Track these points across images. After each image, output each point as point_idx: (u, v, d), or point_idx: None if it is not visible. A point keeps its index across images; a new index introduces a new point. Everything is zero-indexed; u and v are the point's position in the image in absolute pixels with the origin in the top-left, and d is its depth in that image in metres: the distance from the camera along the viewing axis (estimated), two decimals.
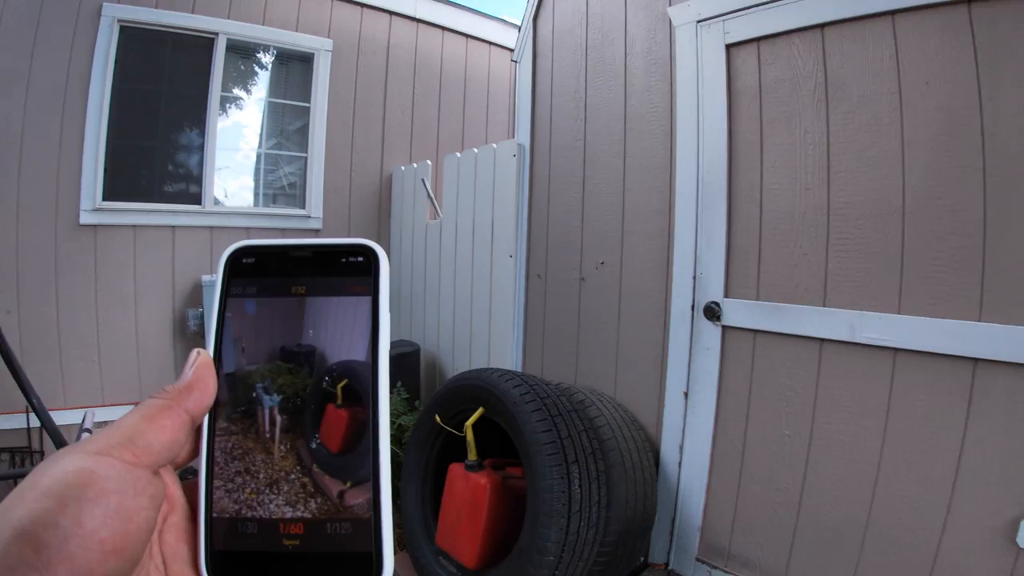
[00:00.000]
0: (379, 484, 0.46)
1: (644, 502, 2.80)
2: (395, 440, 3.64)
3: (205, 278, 4.53)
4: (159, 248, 4.45)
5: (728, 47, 2.79)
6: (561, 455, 2.50)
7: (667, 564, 3.08)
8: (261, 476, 0.47)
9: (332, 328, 0.50)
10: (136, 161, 4.47)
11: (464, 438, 2.82)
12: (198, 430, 0.47)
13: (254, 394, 0.48)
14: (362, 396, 0.48)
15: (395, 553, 3.27)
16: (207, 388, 0.46)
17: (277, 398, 0.48)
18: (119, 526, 0.37)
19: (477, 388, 2.82)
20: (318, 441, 0.48)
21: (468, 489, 2.72)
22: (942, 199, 2.21)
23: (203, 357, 0.48)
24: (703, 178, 2.90)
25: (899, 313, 2.33)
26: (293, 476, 0.47)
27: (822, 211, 2.54)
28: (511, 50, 4.07)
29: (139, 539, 0.39)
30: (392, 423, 3.69)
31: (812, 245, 2.58)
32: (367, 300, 0.49)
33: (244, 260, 0.51)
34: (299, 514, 0.46)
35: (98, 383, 4.26)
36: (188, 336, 4.52)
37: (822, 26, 2.49)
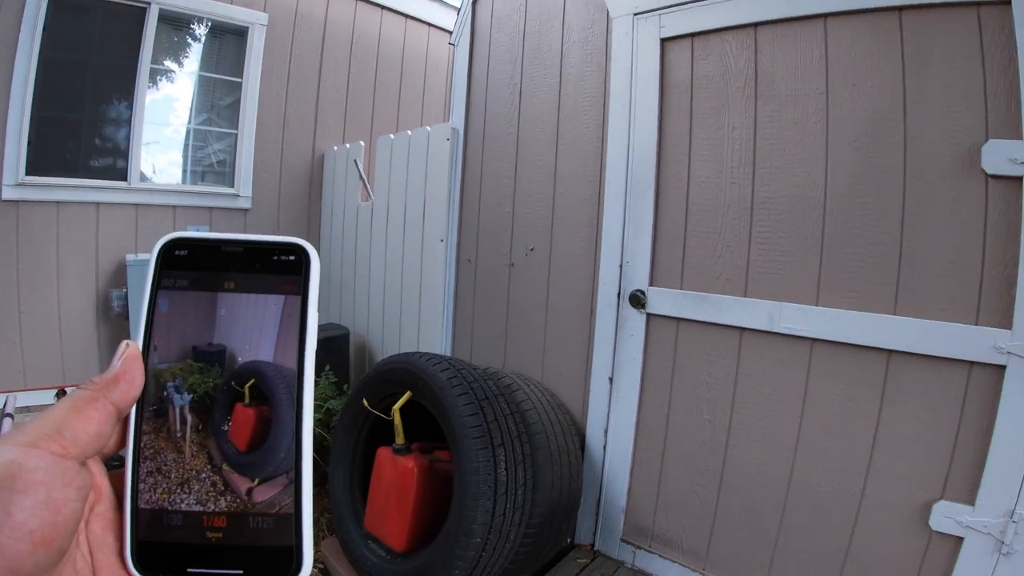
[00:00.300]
0: (301, 481, 0.46)
1: (570, 484, 2.77)
2: (323, 424, 3.53)
3: (130, 257, 4.25)
4: (83, 225, 4.17)
5: (663, 41, 2.76)
6: (487, 438, 2.45)
7: (593, 545, 3.07)
8: (172, 475, 0.46)
9: (255, 326, 0.49)
10: (62, 134, 4.16)
11: (392, 422, 2.74)
12: (125, 421, 0.46)
13: (165, 393, 0.48)
14: (268, 395, 0.48)
15: (324, 538, 3.17)
16: (134, 380, 0.46)
17: (188, 396, 0.48)
18: (48, 517, 0.37)
19: (405, 372, 2.74)
20: (227, 440, 0.48)
21: (396, 473, 2.65)
22: (863, 197, 2.24)
23: (131, 349, 0.47)
24: (632, 168, 2.87)
25: (817, 305, 2.36)
26: (204, 475, 0.47)
27: (746, 204, 2.55)
28: (450, 32, 3.96)
29: (67, 530, 0.39)
30: (320, 407, 3.63)
31: (735, 237, 2.59)
32: (296, 300, 0.49)
33: (176, 252, 0.50)
34: (223, 508, 0.46)
35: (20, 366, 3.97)
36: (112, 318, 4.25)
37: (756, 25, 2.48)
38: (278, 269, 0.50)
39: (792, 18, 2.38)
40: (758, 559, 2.53)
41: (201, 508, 0.46)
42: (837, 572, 2.31)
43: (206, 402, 0.47)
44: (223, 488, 0.47)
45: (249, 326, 0.49)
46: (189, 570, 0.45)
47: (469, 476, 2.38)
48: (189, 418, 0.47)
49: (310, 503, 0.46)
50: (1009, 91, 1.92)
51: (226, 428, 0.48)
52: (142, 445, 0.46)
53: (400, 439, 2.73)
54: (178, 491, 0.46)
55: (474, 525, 2.33)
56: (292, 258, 0.50)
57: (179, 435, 0.47)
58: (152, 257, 0.49)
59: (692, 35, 2.68)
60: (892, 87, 2.16)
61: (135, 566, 0.44)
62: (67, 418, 0.41)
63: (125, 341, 0.47)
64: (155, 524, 0.45)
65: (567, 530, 2.87)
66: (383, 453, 2.75)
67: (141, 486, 0.45)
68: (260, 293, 0.49)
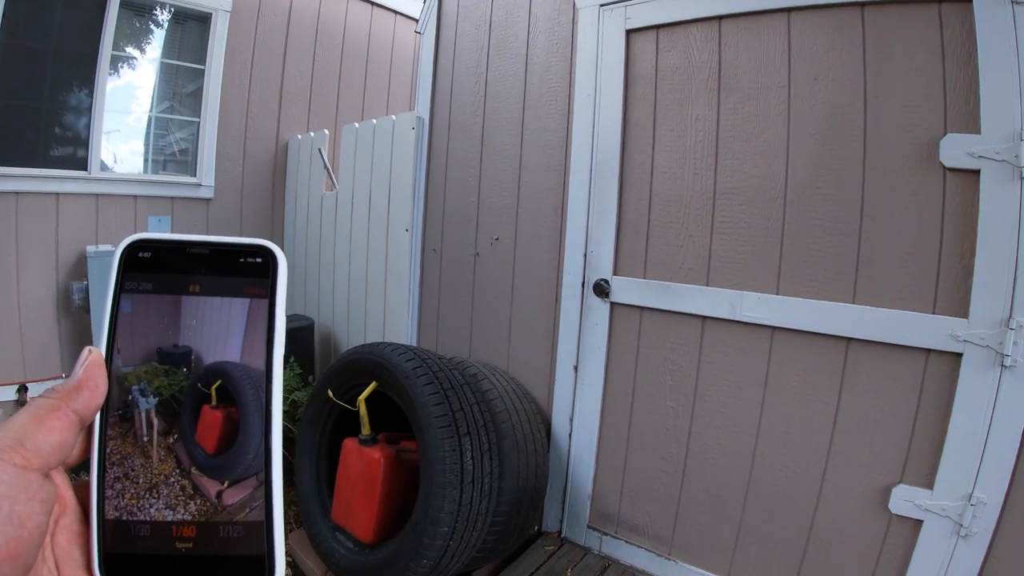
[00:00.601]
0: (271, 488, 0.44)
1: (536, 472, 2.74)
2: (289, 416, 3.44)
3: (90, 249, 4.08)
4: (42, 217, 3.98)
5: (628, 32, 2.72)
6: (453, 428, 2.41)
7: (560, 532, 3.05)
8: (140, 480, 0.45)
9: (220, 329, 0.48)
10: (20, 123, 3.95)
11: (358, 413, 2.67)
12: (89, 429, 0.44)
13: (130, 396, 0.46)
14: (236, 397, 0.46)
15: (292, 531, 3.09)
16: (97, 388, 0.44)
17: (154, 400, 0.46)
18: (12, 532, 0.36)
19: (370, 362, 2.68)
20: (195, 442, 0.46)
21: (362, 464, 2.59)
22: (823, 188, 2.23)
23: (94, 355, 0.45)
24: (597, 159, 2.83)
25: (777, 294, 2.36)
26: (172, 479, 0.45)
27: (708, 195, 2.53)
28: (416, 20, 3.85)
29: (32, 544, 0.38)
30: (285, 399, 3.53)
31: (698, 227, 2.57)
32: (263, 303, 0.48)
33: (140, 254, 0.48)
34: (192, 517, 0.45)
35: None
36: (73, 311, 4.08)
37: (720, 18, 2.45)
38: (245, 271, 0.48)
39: (756, 11, 2.36)
40: (722, 543, 2.53)
41: (170, 517, 0.44)
42: (799, 555, 2.32)
43: (172, 405, 0.46)
44: (192, 492, 0.45)
45: (215, 328, 0.47)
46: None
47: (435, 465, 2.34)
48: (156, 422, 0.46)
49: (281, 510, 0.44)
50: (968, 86, 1.92)
51: (194, 432, 0.46)
52: (108, 452, 0.44)
53: (366, 430, 2.67)
54: (146, 496, 0.44)
55: (441, 514, 2.29)
56: (259, 260, 0.48)
57: (146, 439, 0.45)
58: (115, 259, 0.47)
59: (657, 27, 2.63)
60: (853, 81, 2.15)
61: None
62: (29, 428, 0.40)
63: (88, 347, 0.45)
64: (122, 535, 0.43)
65: (534, 518, 2.84)
66: (349, 444, 2.70)
67: (108, 494, 0.44)
68: (226, 296, 0.47)
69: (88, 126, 4.13)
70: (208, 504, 0.45)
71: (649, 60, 2.69)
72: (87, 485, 0.44)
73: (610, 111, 2.79)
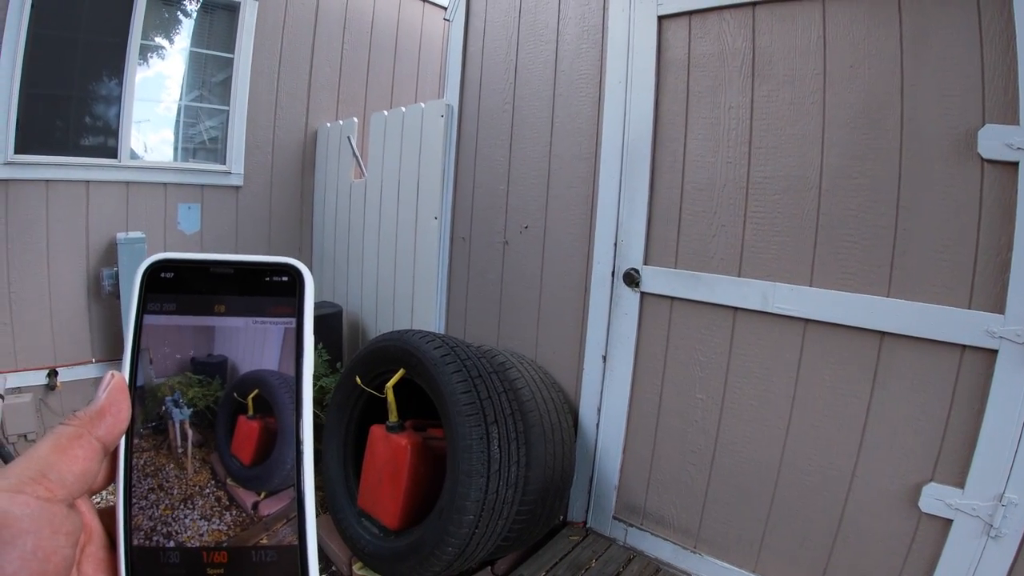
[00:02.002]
0: (304, 511, 0.43)
1: (563, 462, 2.79)
2: (317, 402, 3.50)
3: (120, 236, 4.18)
4: (73, 204, 4.08)
5: (660, 18, 2.72)
6: (481, 416, 2.46)
7: (585, 522, 3.10)
8: (175, 492, 0.44)
9: (247, 339, 0.47)
10: (51, 112, 4.05)
11: (385, 399, 2.74)
12: (113, 454, 0.44)
13: (164, 408, 0.45)
14: (273, 406, 0.46)
15: (318, 516, 3.19)
16: (120, 414, 0.43)
17: (188, 411, 0.46)
18: (37, 567, 0.35)
19: (398, 349, 2.74)
20: (231, 453, 0.46)
21: (389, 450, 2.66)
22: (858, 179, 2.23)
23: (116, 380, 0.44)
24: (628, 146, 2.85)
25: (811, 286, 2.36)
26: (207, 490, 0.45)
27: (742, 184, 2.54)
28: (444, 8, 3.89)
29: None
30: (313, 385, 3.59)
31: (730, 216, 2.58)
32: (291, 323, 0.47)
33: (162, 275, 0.47)
34: (223, 541, 0.44)
35: (10, 347, 3.90)
36: (103, 297, 4.19)
37: (754, 4, 2.45)
38: (271, 291, 0.48)
39: None
40: (749, 537, 2.55)
41: (199, 544, 0.43)
42: (827, 551, 2.33)
43: (207, 416, 0.46)
44: (228, 503, 0.45)
45: (250, 338, 0.47)
46: None
47: (462, 453, 2.39)
48: (190, 433, 0.45)
49: (314, 533, 0.44)
50: (1007, 75, 1.90)
51: (230, 443, 0.46)
52: (142, 464, 0.44)
53: (393, 416, 2.73)
54: (181, 508, 0.44)
55: (467, 502, 2.34)
56: (285, 279, 0.48)
57: (180, 451, 0.45)
58: (136, 280, 0.46)
59: (690, 13, 2.64)
60: (889, 69, 2.13)
61: None
62: (51, 459, 0.39)
63: (111, 372, 0.45)
64: (151, 562, 0.43)
65: (559, 507, 2.89)
66: (376, 431, 2.76)
67: (141, 505, 0.43)
68: (252, 317, 0.47)
69: (118, 115, 4.22)
70: (244, 515, 0.45)
71: (681, 47, 2.69)
72: (112, 511, 0.43)
73: (642, 98, 2.80)
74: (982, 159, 1.95)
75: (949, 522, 2.04)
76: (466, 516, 2.34)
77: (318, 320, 3.99)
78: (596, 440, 3.03)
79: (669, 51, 2.74)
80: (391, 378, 2.73)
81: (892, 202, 2.14)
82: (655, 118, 2.78)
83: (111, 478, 0.44)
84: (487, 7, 3.52)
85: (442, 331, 3.81)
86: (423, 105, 3.87)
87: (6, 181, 3.77)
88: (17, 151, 3.79)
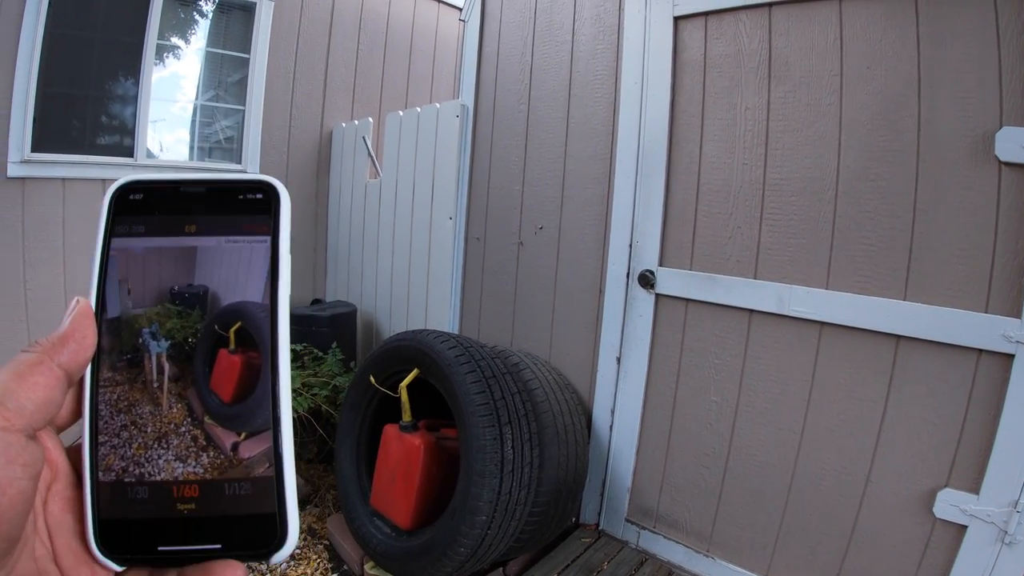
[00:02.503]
0: (280, 440, 0.42)
1: (576, 464, 2.80)
2: (330, 401, 3.55)
3: None
4: (89, 202, 4.13)
5: (676, 19, 2.73)
6: (494, 416, 2.47)
7: (597, 524, 3.11)
8: (149, 430, 0.42)
9: (227, 269, 0.45)
10: (67, 111, 4.12)
11: (399, 399, 2.76)
12: (80, 386, 0.42)
13: (140, 340, 0.43)
14: (257, 340, 0.44)
15: (330, 515, 3.19)
16: (85, 340, 0.41)
17: (165, 344, 0.44)
18: None
19: (412, 349, 2.76)
20: (210, 389, 0.44)
21: (402, 450, 2.68)
22: (875, 181, 2.23)
23: (81, 305, 0.43)
24: (644, 147, 2.86)
25: (827, 288, 2.36)
26: (183, 429, 0.43)
27: (758, 186, 2.54)
28: (459, 9, 3.93)
29: (15, 512, 0.34)
30: (327, 384, 3.66)
31: (746, 218, 2.58)
32: (265, 240, 0.45)
33: (131, 196, 0.46)
34: (194, 475, 0.42)
35: (26, 344, 3.95)
36: None
37: (770, 4, 2.45)
38: (245, 209, 0.46)
39: None
40: (762, 541, 2.56)
41: (171, 476, 0.41)
42: (840, 556, 2.33)
43: (186, 349, 0.44)
44: (205, 443, 0.43)
45: (233, 267, 0.45)
46: (160, 548, 0.41)
47: (476, 454, 2.40)
48: (167, 367, 0.43)
49: (292, 463, 0.42)
50: None
51: (209, 378, 0.44)
52: (115, 399, 0.42)
53: (407, 416, 2.75)
54: (155, 447, 0.42)
55: (480, 503, 2.35)
56: (260, 196, 0.46)
57: (156, 386, 0.43)
58: (104, 202, 0.45)
59: (706, 14, 2.65)
60: (907, 70, 2.13)
61: (99, 548, 0.40)
62: (9, 386, 0.37)
63: (76, 297, 0.43)
64: (119, 499, 0.41)
65: (572, 509, 2.90)
66: (390, 430, 2.78)
67: (104, 451, 0.41)
68: (225, 236, 0.45)
69: (134, 114, 4.27)
70: (222, 457, 0.42)
71: (698, 47, 2.70)
72: (80, 448, 0.42)
73: (657, 99, 2.81)
74: (999, 161, 1.94)
75: (963, 528, 2.03)
76: (479, 517, 2.36)
77: (332, 319, 4.06)
78: (609, 442, 3.04)
79: (685, 52, 2.75)
80: (405, 378, 2.75)
81: (909, 205, 2.14)
82: (671, 119, 2.79)
83: (79, 412, 0.42)
84: (502, 7, 3.54)
85: (456, 331, 3.83)
86: (438, 105, 3.90)
87: (23, 179, 3.82)
88: (34, 149, 3.85)
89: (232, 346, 0.44)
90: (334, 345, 3.92)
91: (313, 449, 3.75)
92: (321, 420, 3.53)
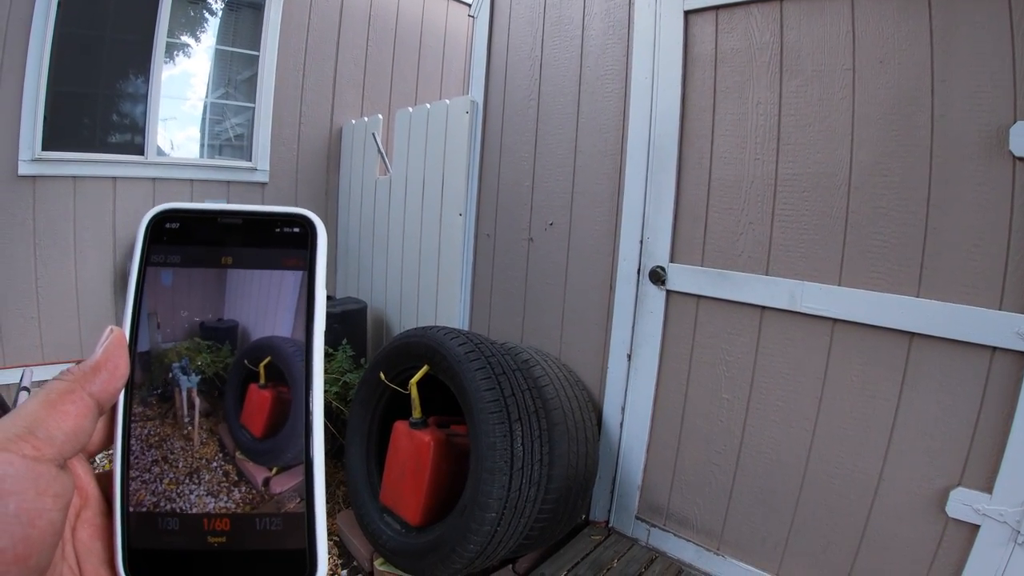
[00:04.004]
0: (312, 477, 0.42)
1: (586, 461, 2.81)
2: (340, 398, 3.57)
3: None
4: (100, 200, 4.19)
5: (687, 13, 2.72)
6: (504, 413, 2.47)
7: (608, 522, 3.12)
8: (180, 465, 0.42)
9: (259, 303, 0.45)
10: (78, 110, 4.17)
11: (409, 396, 2.77)
12: (112, 413, 0.42)
13: (170, 375, 0.43)
14: (287, 375, 0.44)
15: (340, 510, 3.21)
16: (117, 369, 0.41)
17: (196, 378, 0.43)
18: (20, 532, 0.33)
19: (422, 346, 2.76)
20: (240, 424, 0.44)
21: (412, 446, 2.69)
22: (888, 176, 2.21)
23: (115, 335, 0.42)
24: (654, 143, 2.86)
25: (839, 285, 2.35)
26: (215, 464, 0.43)
27: (770, 181, 2.53)
28: (469, 4, 3.93)
29: (45, 544, 0.34)
30: (337, 380, 3.67)
31: (758, 214, 2.57)
32: (301, 275, 0.45)
33: (168, 225, 0.45)
34: (225, 509, 0.42)
35: (37, 340, 4.02)
36: None
37: None
38: (281, 242, 0.46)
39: None
40: (773, 539, 2.56)
41: (201, 510, 0.42)
42: (852, 554, 2.33)
43: (216, 384, 0.44)
44: (236, 478, 0.43)
45: (263, 301, 0.45)
46: None
47: (485, 450, 2.41)
48: (197, 402, 0.43)
49: (323, 499, 0.42)
50: None
51: (239, 413, 0.44)
52: (146, 434, 0.42)
53: (417, 413, 2.76)
54: (186, 482, 0.42)
55: (490, 500, 2.36)
56: (297, 230, 0.46)
57: (187, 421, 0.43)
58: (140, 231, 0.45)
59: (716, 8, 2.64)
60: (920, 65, 2.11)
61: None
62: (40, 415, 0.37)
63: (110, 326, 0.42)
64: (149, 529, 0.41)
65: (582, 507, 2.91)
66: (400, 427, 2.79)
67: (144, 479, 0.41)
68: (261, 269, 0.45)
69: (144, 112, 4.31)
70: (254, 492, 0.43)
71: (708, 42, 2.70)
72: (111, 475, 0.42)
73: (668, 94, 2.81)
74: (1014, 156, 1.92)
75: (976, 528, 2.02)
76: (488, 514, 2.36)
77: (342, 316, 4.08)
78: (620, 439, 3.05)
79: (696, 46, 2.74)
80: (415, 374, 2.76)
81: (922, 200, 2.13)
82: (682, 114, 2.79)
83: (110, 439, 0.42)
84: (512, 3, 3.54)
85: (466, 328, 3.84)
86: (448, 101, 3.90)
87: (33, 177, 3.87)
88: (44, 148, 3.89)
89: (262, 381, 0.44)
90: (344, 342, 3.94)
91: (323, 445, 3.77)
92: (331, 416, 3.54)
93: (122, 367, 0.41)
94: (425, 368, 2.74)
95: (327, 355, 3.88)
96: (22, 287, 3.94)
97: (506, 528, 2.43)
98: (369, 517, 2.83)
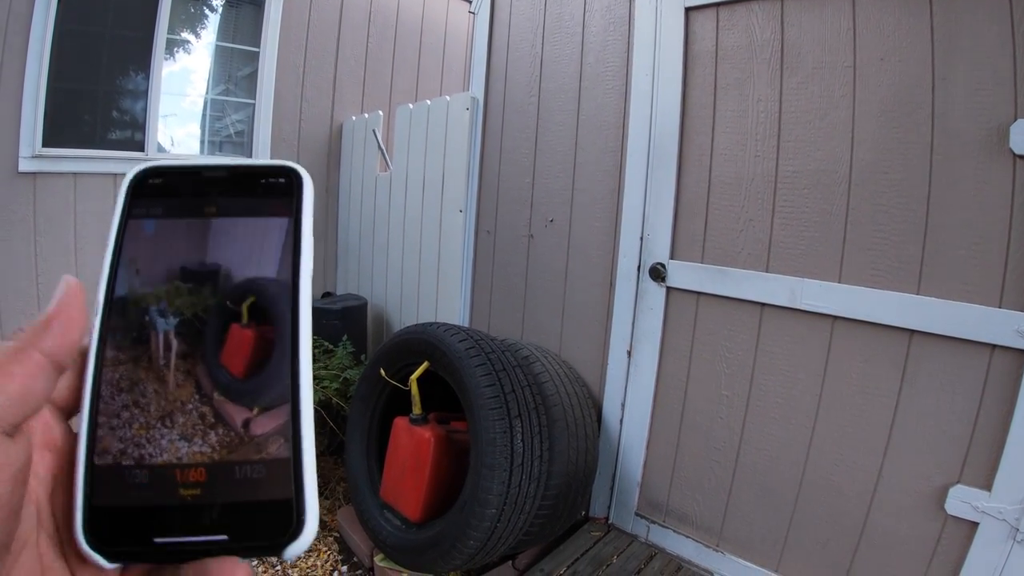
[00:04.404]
0: (300, 417, 0.38)
1: (586, 457, 2.81)
2: (341, 394, 3.58)
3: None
4: (100, 197, 4.16)
5: (687, 10, 2.72)
6: (504, 409, 2.48)
7: (607, 518, 3.12)
8: (152, 409, 0.38)
9: (243, 249, 0.43)
10: (78, 106, 4.15)
11: (409, 392, 2.78)
12: (81, 369, 0.38)
13: (147, 318, 0.40)
14: (271, 314, 0.41)
15: (340, 506, 3.20)
16: (71, 322, 0.36)
17: (174, 320, 0.40)
18: None
19: (423, 342, 2.77)
20: (220, 363, 0.40)
21: (412, 443, 2.69)
22: (888, 173, 2.21)
23: (68, 285, 0.38)
24: (655, 140, 2.86)
25: (839, 282, 2.35)
26: (190, 406, 0.39)
27: (770, 178, 2.53)
28: (469, 1, 3.93)
29: None
30: (337, 377, 3.68)
31: (758, 211, 2.57)
32: (286, 222, 0.43)
33: (151, 181, 0.44)
34: (200, 455, 0.37)
35: None
36: None
37: None
38: (267, 192, 0.44)
39: None
40: (772, 536, 2.56)
41: (172, 457, 0.37)
42: (851, 551, 2.33)
43: (195, 324, 0.41)
44: (213, 420, 0.39)
45: (243, 248, 0.43)
46: (157, 540, 0.36)
47: (485, 447, 2.41)
48: (174, 343, 0.40)
49: (312, 443, 0.38)
50: None
51: (219, 354, 0.41)
52: (116, 378, 0.38)
53: (417, 409, 2.76)
54: (158, 425, 0.38)
55: (489, 496, 2.36)
56: (282, 181, 0.44)
57: (162, 363, 0.39)
58: (123, 186, 0.44)
59: (717, 4, 2.63)
60: (920, 62, 2.11)
61: (86, 540, 0.35)
62: None
63: (65, 276, 0.39)
64: (115, 484, 0.36)
65: (582, 503, 2.91)
66: (400, 423, 2.79)
67: (103, 431, 0.37)
68: (244, 216, 0.44)
69: (144, 109, 4.29)
70: (232, 435, 0.38)
71: (709, 39, 2.69)
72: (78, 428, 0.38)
73: (669, 91, 2.80)
74: (1014, 154, 1.92)
75: (975, 525, 2.02)
76: (488, 510, 2.37)
77: (343, 312, 4.08)
78: (619, 435, 3.05)
79: (696, 43, 2.74)
80: (415, 371, 2.76)
81: (923, 198, 2.13)
82: (682, 111, 2.79)
83: (79, 398, 0.38)
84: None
85: (466, 324, 3.84)
86: (448, 98, 3.90)
87: (34, 174, 3.85)
88: (45, 144, 3.88)
89: (245, 320, 0.42)
90: (344, 338, 3.94)
91: (323, 441, 3.78)
92: (331, 413, 3.55)
93: (77, 319, 0.37)
94: (425, 364, 2.74)
95: (327, 351, 3.89)
96: (22, 285, 3.92)
97: (506, 524, 2.44)
98: (369, 513, 2.84)
